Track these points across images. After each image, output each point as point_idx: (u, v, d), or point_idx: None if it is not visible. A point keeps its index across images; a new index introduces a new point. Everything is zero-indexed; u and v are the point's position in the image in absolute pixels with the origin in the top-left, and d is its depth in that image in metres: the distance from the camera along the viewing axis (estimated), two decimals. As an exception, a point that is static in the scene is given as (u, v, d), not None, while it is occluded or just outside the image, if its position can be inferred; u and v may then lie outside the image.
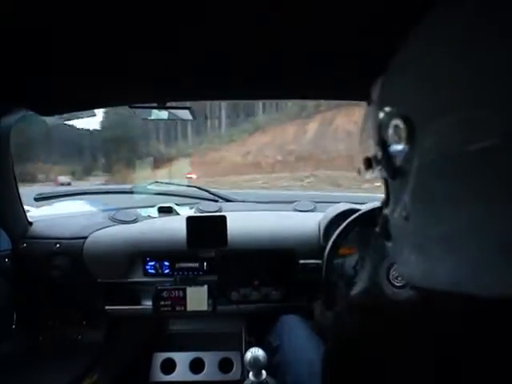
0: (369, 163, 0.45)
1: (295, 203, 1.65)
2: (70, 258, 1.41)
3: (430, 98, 0.35)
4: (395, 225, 0.44)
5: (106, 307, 1.43)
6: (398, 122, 0.38)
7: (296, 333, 1.16)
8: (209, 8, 0.68)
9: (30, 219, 1.49)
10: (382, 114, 0.41)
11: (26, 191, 1.53)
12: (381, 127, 0.42)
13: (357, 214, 1.20)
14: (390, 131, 0.40)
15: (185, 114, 1.26)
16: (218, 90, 1.16)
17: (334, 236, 1.20)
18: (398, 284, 1.09)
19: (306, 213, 1.59)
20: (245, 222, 1.49)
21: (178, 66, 0.96)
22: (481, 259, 0.33)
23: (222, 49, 0.85)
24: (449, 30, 0.34)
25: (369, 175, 0.45)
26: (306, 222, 1.48)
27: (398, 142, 0.39)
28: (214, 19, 0.73)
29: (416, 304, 0.43)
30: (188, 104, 1.22)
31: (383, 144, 0.41)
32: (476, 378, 0.33)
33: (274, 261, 1.43)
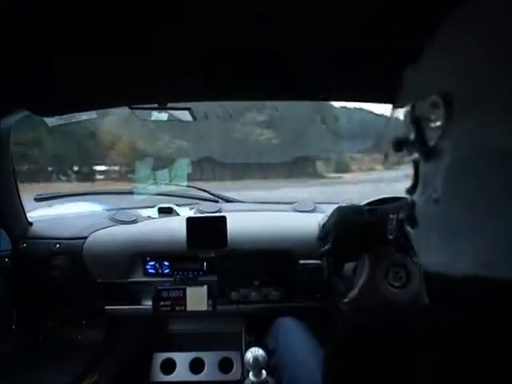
0: (399, 145, 0.43)
1: (295, 204, 1.65)
2: (70, 258, 1.41)
3: (474, 80, 0.34)
4: (422, 210, 0.42)
5: (106, 307, 1.43)
6: (436, 98, 0.36)
7: (292, 335, 1.16)
8: (208, 9, 0.69)
9: (30, 219, 1.49)
10: (417, 93, 0.40)
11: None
12: (415, 107, 0.40)
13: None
14: (427, 108, 0.38)
15: (185, 115, 1.26)
16: (218, 91, 1.16)
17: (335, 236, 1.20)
18: (396, 285, 1.09)
19: (306, 213, 1.59)
20: (245, 223, 1.49)
21: (179, 66, 0.96)
22: (507, 243, 0.32)
23: (223, 49, 0.86)
24: (493, 13, 0.33)
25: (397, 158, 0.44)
26: (306, 223, 1.48)
27: (435, 120, 0.37)
28: (213, 20, 0.73)
29: (416, 305, 0.43)
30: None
31: (417, 123, 0.39)
32: (479, 378, 0.33)
33: (273, 261, 1.43)
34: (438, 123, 0.37)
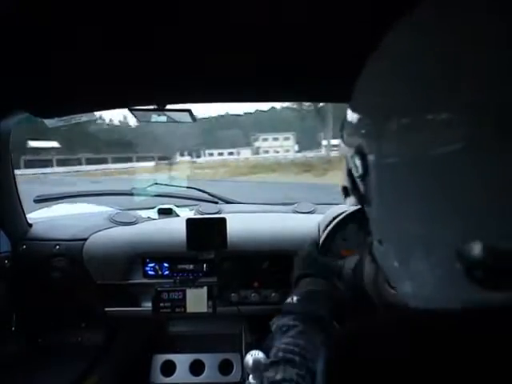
0: (346, 191, 0.47)
1: (295, 205, 1.65)
2: (69, 259, 1.41)
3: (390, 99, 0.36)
4: (377, 248, 0.46)
5: (106, 309, 1.43)
6: (356, 157, 0.41)
7: None
8: (208, 9, 0.68)
9: (29, 221, 1.49)
10: (347, 147, 0.44)
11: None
12: (347, 159, 0.44)
13: (344, 215, 1.20)
14: (353, 163, 0.42)
15: (184, 117, 1.25)
16: (218, 93, 1.16)
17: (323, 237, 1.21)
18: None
19: (306, 214, 1.59)
20: (244, 224, 1.49)
21: (178, 68, 0.96)
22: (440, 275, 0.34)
23: (223, 50, 0.85)
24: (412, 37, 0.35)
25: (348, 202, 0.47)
26: (305, 224, 1.48)
27: (358, 174, 0.41)
28: (213, 21, 0.73)
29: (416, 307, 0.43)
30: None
31: (350, 174, 0.44)
32: (479, 379, 0.33)
33: (273, 262, 1.43)
34: (360, 173, 0.41)
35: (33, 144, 16.82)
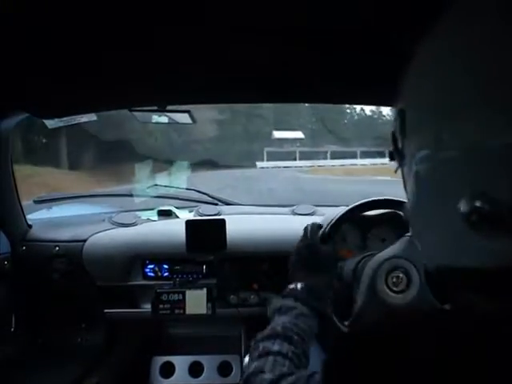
0: (391, 155, 0.48)
1: (294, 207, 1.65)
2: (69, 260, 1.41)
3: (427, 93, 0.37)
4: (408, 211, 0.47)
5: (105, 310, 1.43)
6: (397, 115, 0.42)
7: None
8: (209, 10, 0.69)
9: (29, 222, 1.49)
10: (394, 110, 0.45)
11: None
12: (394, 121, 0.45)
13: (342, 212, 1.19)
14: (396, 124, 0.43)
15: (184, 118, 1.26)
16: (218, 94, 1.16)
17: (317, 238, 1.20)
18: (396, 289, 1.08)
19: (306, 216, 1.59)
20: (244, 226, 1.49)
21: (179, 69, 0.96)
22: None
23: (223, 51, 0.86)
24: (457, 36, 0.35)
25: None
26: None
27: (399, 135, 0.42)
28: (214, 22, 0.73)
29: (416, 310, 0.43)
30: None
31: (393, 136, 0.44)
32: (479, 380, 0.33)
33: (273, 264, 1.43)
34: (400, 135, 0.42)
35: (277, 135, 16.93)
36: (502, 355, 0.32)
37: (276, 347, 0.66)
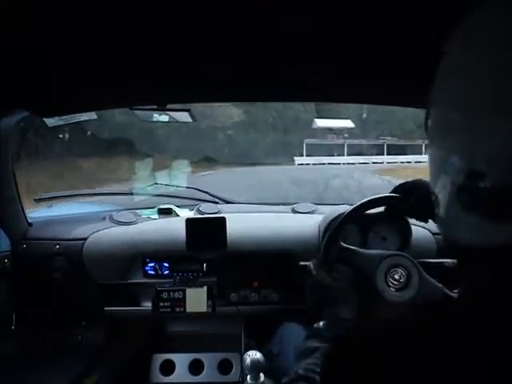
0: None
1: (295, 205, 1.65)
2: (69, 259, 1.41)
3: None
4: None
5: (106, 308, 1.43)
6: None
7: (296, 340, 1.16)
8: (209, 8, 0.68)
9: (29, 220, 1.49)
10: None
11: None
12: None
13: (346, 213, 1.19)
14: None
15: (185, 117, 1.26)
16: (218, 92, 1.16)
17: (324, 241, 1.20)
18: (396, 286, 1.09)
19: (306, 214, 1.59)
20: (244, 224, 1.49)
21: (179, 67, 0.96)
22: None
23: (224, 50, 0.85)
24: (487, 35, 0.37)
25: None
26: (305, 224, 1.48)
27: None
28: (214, 21, 0.73)
29: (415, 308, 0.44)
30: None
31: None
32: (478, 379, 0.33)
33: (273, 262, 1.43)
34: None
35: (320, 123, 12.87)
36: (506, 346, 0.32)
37: None
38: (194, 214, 1.60)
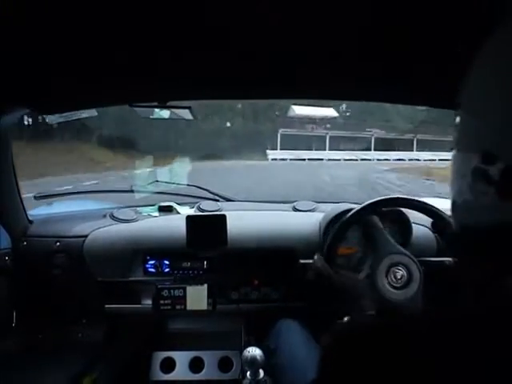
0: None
1: (295, 203, 1.65)
2: (70, 256, 1.41)
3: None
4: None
5: (106, 306, 1.43)
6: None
7: (293, 337, 1.17)
8: (209, 7, 0.68)
9: (30, 217, 1.49)
10: None
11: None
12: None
13: (350, 214, 1.19)
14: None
15: (185, 114, 1.26)
16: (218, 90, 1.16)
17: (329, 239, 1.20)
18: (396, 285, 1.09)
19: (306, 212, 1.59)
20: (245, 222, 1.49)
21: (179, 65, 0.96)
22: None
23: (226, 48, 0.85)
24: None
25: None
26: (306, 222, 1.48)
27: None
28: (214, 20, 0.72)
29: (414, 306, 0.44)
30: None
31: None
32: (477, 378, 0.33)
33: (274, 260, 1.43)
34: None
35: (298, 111, 9.51)
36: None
37: None
38: (195, 212, 1.60)
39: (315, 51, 0.86)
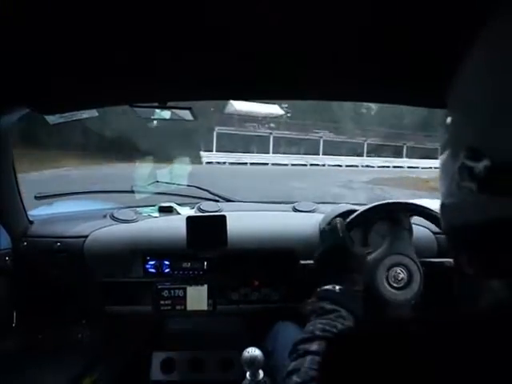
0: None
1: (296, 203, 1.65)
2: (70, 256, 1.41)
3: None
4: None
5: (106, 306, 1.43)
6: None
7: (290, 338, 1.16)
8: (209, 7, 0.68)
9: (30, 218, 1.49)
10: None
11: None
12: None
13: (354, 216, 1.19)
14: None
15: (185, 115, 1.26)
16: (219, 90, 1.16)
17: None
18: (396, 285, 1.08)
19: (307, 213, 1.59)
20: (245, 222, 1.49)
21: (179, 65, 0.96)
22: None
23: (224, 46, 0.85)
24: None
25: None
26: (306, 222, 1.48)
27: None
28: (214, 19, 0.73)
29: (415, 307, 0.44)
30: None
31: None
32: (476, 380, 0.33)
33: (274, 261, 1.43)
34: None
35: (238, 106, 8.64)
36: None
37: (314, 347, 0.67)
38: (195, 212, 1.60)
39: (315, 52, 0.86)
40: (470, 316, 0.36)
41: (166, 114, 1.29)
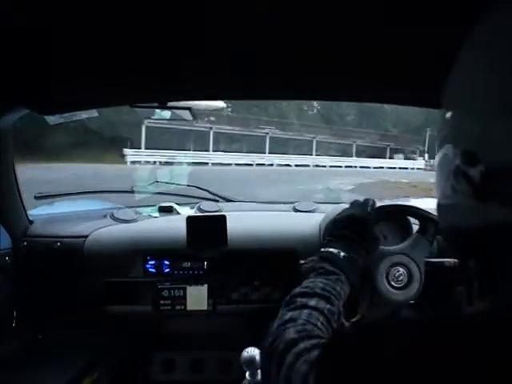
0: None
1: (296, 203, 1.65)
2: (70, 256, 1.41)
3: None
4: None
5: (106, 306, 1.43)
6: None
7: None
8: (210, 7, 0.68)
9: (30, 217, 1.49)
10: None
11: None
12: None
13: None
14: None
15: (185, 115, 1.26)
16: (219, 90, 1.16)
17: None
18: (396, 285, 1.08)
19: (307, 213, 1.59)
20: (245, 222, 1.49)
21: (179, 65, 0.96)
22: None
23: (224, 47, 0.85)
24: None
25: None
26: (306, 222, 1.48)
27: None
28: (214, 19, 0.73)
29: (414, 308, 0.44)
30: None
31: None
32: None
33: (274, 261, 1.43)
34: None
35: None
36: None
37: (313, 303, 0.65)
38: (195, 212, 1.60)
39: (315, 52, 0.86)
40: (470, 316, 0.36)
41: (166, 113, 1.29)
